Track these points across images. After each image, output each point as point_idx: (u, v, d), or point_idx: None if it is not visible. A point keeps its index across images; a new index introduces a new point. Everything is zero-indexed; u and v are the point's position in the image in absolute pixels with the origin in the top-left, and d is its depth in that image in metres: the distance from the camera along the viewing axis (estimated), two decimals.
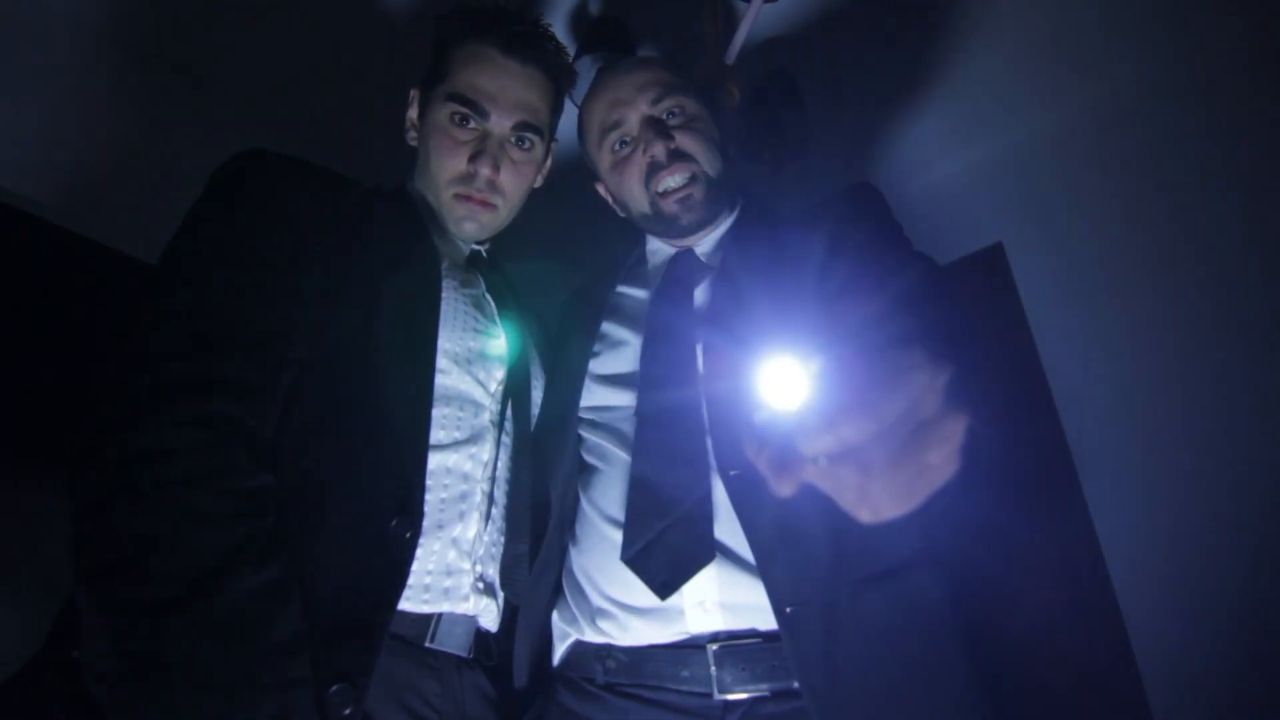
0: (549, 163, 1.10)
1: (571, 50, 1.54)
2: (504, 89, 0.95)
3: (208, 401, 0.64)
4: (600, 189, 1.12)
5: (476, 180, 0.94)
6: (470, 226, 0.97)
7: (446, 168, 0.95)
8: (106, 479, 0.60)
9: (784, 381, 0.40)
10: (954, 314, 0.74)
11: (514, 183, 0.98)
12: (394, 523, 0.71)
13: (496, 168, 0.95)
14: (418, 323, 0.82)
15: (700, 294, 0.96)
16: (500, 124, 0.96)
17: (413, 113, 1.03)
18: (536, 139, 1.00)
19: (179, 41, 1.62)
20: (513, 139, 0.97)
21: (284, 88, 1.76)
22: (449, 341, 0.85)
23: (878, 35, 1.69)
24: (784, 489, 0.40)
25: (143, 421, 0.62)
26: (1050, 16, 1.64)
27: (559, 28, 1.59)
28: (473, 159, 0.94)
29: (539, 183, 1.09)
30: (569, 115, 1.12)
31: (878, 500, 0.41)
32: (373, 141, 1.59)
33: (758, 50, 1.68)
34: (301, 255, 0.77)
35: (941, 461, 0.40)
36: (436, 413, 0.81)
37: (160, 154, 1.60)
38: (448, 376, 0.84)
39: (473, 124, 0.95)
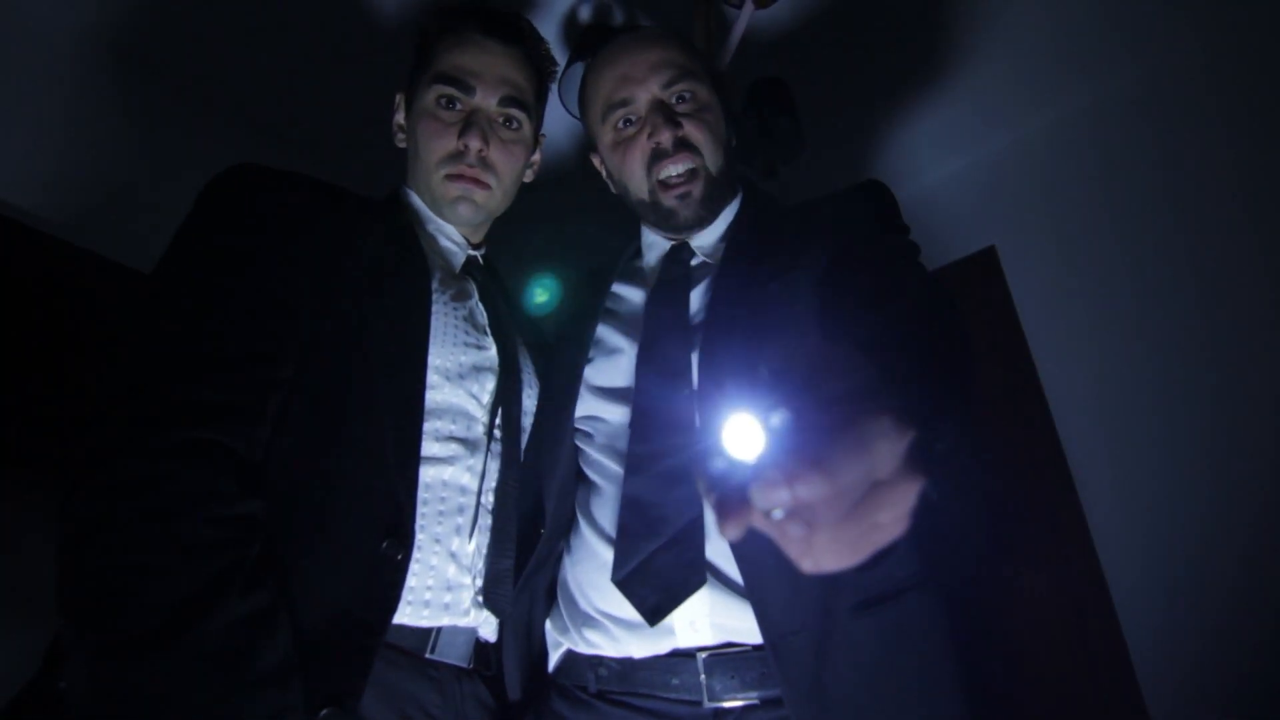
0: (538, 157, 1.08)
1: (564, 57, 1.55)
2: (487, 65, 0.96)
3: (194, 428, 0.64)
4: (596, 161, 1.09)
5: (467, 155, 0.94)
6: (465, 209, 0.96)
7: (436, 148, 0.94)
8: (89, 510, 0.60)
9: (744, 433, 0.39)
10: (954, 340, 0.71)
11: (505, 161, 0.97)
12: (384, 544, 0.70)
13: (486, 140, 0.94)
14: (407, 343, 0.81)
15: (696, 299, 0.93)
16: (486, 100, 0.96)
17: (399, 116, 1.03)
18: (523, 117, 0.99)
19: (177, 53, 1.62)
20: (500, 118, 0.97)
21: (281, 98, 1.76)
22: (440, 357, 0.85)
23: (872, 40, 1.69)
24: (731, 533, 0.39)
25: (127, 451, 0.61)
26: (1045, 21, 1.65)
27: (552, 33, 1.60)
28: (461, 135, 0.94)
29: (530, 176, 1.07)
30: (565, 121, 1.11)
31: (820, 554, 0.40)
32: (369, 150, 1.60)
33: (750, 56, 1.68)
34: (291, 273, 0.76)
35: (891, 522, 0.40)
36: (429, 427, 0.81)
37: (157, 164, 1.60)
38: (439, 392, 0.84)
39: (459, 105, 0.95)
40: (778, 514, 0.37)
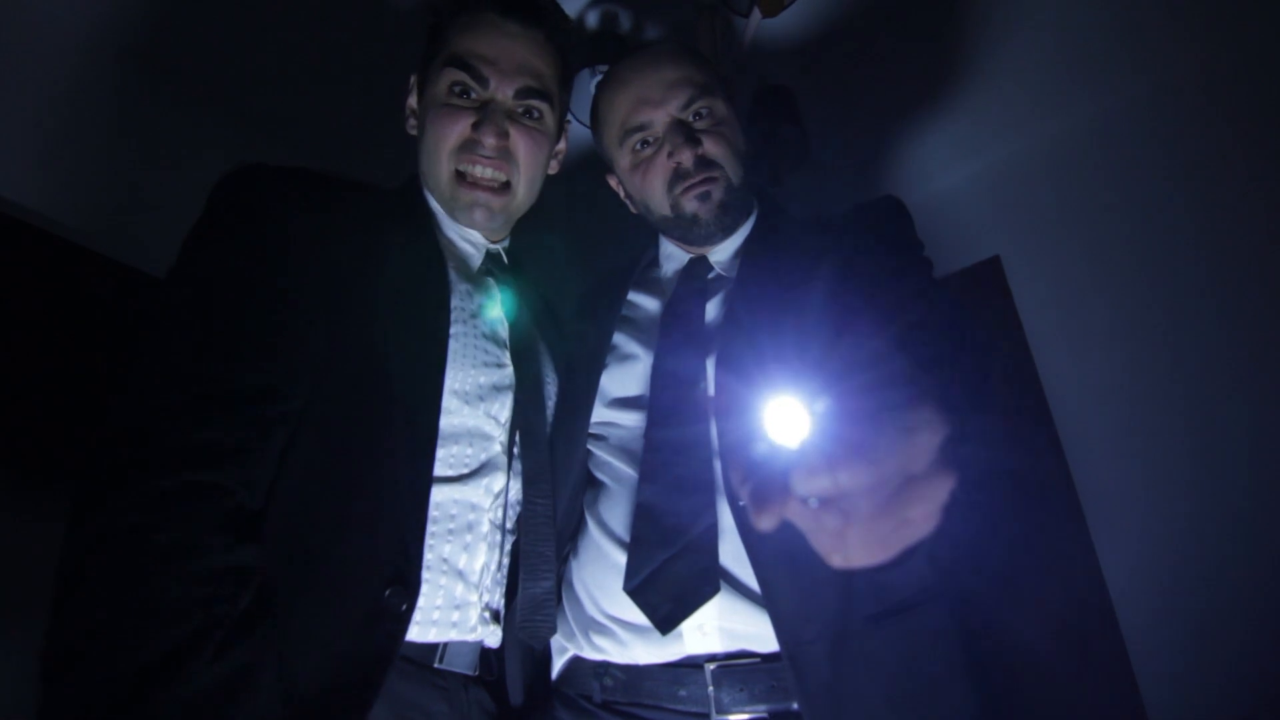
0: (564, 145, 1.01)
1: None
2: (504, 52, 0.88)
3: (191, 471, 0.61)
4: (612, 182, 1.08)
5: (481, 147, 0.86)
6: (481, 215, 0.89)
7: (447, 135, 0.87)
8: (71, 564, 0.57)
9: (787, 418, 0.38)
10: (965, 356, 0.71)
11: (528, 149, 0.89)
12: (388, 593, 0.66)
13: (504, 133, 0.87)
14: (424, 369, 0.76)
15: (713, 309, 0.93)
16: (503, 90, 0.88)
17: (412, 100, 0.96)
18: (545, 107, 0.91)
19: (179, 49, 1.62)
20: (519, 109, 0.89)
21: (286, 93, 1.76)
22: (458, 381, 0.80)
23: (878, 50, 1.70)
24: (765, 523, 0.39)
25: (116, 499, 0.59)
26: (1050, 33, 1.66)
27: None
28: (476, 128, 0.86)
29: (555, 168, 1.00)
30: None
31: (853, 548, 0.40)
32: (378, 147, 1.60)
33: (757, 64, 1.69)
34: (302, 295, 0.72)
35: (922, 519, 0.39)
36: (444, 452, 0.77)
37: (162, 163, 1.60)
38: (456, 416, 0.80)
39: (473, 94, 0.88)
40: (813, 503, 0.37)
